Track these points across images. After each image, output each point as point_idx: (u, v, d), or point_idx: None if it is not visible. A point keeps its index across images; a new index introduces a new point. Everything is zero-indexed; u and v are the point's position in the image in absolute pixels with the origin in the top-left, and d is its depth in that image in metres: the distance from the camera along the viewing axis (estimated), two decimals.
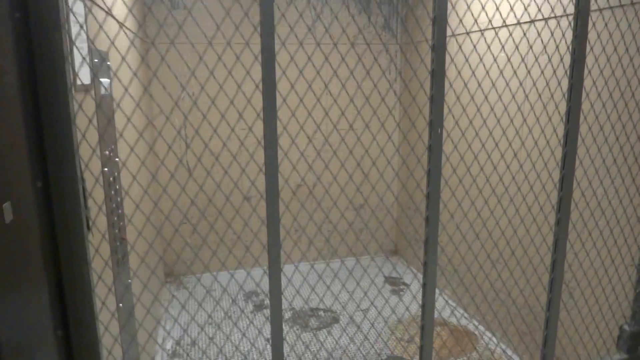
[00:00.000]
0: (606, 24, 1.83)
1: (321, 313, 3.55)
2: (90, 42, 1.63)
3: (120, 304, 1.98)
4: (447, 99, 1.50)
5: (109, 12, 2.10)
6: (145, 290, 2.83)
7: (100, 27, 1.50)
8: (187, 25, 3.70)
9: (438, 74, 1.47)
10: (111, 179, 1.96)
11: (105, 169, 1.86)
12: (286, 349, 3.30)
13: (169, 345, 3.17)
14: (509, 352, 3.11)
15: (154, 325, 2.88)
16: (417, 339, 3.13)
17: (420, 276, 4.32)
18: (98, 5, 1.89)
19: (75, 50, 1.46)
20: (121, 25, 2.38)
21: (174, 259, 4.16)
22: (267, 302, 3.68)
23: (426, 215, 1.53)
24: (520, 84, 1.70)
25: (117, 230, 2.00)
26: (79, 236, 1.20)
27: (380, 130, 4.34)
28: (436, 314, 3.44)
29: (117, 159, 2.10)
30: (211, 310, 3.61)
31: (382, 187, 4.46)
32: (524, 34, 2.37)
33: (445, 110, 1.48)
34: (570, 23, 1.65)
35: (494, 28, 2.74)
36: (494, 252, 3.06)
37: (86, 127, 1.27)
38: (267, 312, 3.52)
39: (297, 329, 3.34)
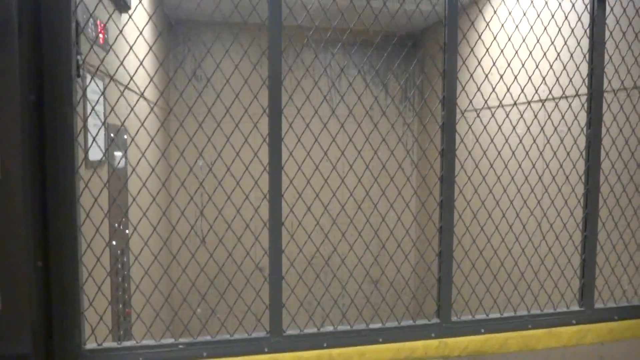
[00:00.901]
0: (622, 106, 1.80)
1: None
2: (96, 115, 1.66)
3: None
4: (457, 179, 1.48)
5: (127, 88, 2.17)
6: None
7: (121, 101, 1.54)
8: (205, 95, 3.85)
9: (448, 153, 1.46)
10: (119, 251, 1.94)
11: (113, 242, 1.84)
12: None
13: None
14: None
15: None
16: None
17: None
18: (116, 81, 1.96)
19: (90, 125, 1.48)
20: (141, 96, 2.46)
21: (181, 328, 4.02)
22: None
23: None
24: (533, 165, 1.66)
25: (121, 306, 1.95)
26: (75, 316, 1.17)
27: (396, 203, 4.32)
28: None
29: (126, 231, 2.09)
30: None
31: (399, 261, 4.35)
32: (535, 115, 2.35)
33: (457, 190, 1.45)
34: (583, 105, 1.63)
35: (502, 106, 2.75)
36: None
37: (91, 206, 1.27)
38: None
39: None
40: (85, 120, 1.36)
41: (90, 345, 1.21)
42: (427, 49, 4.18)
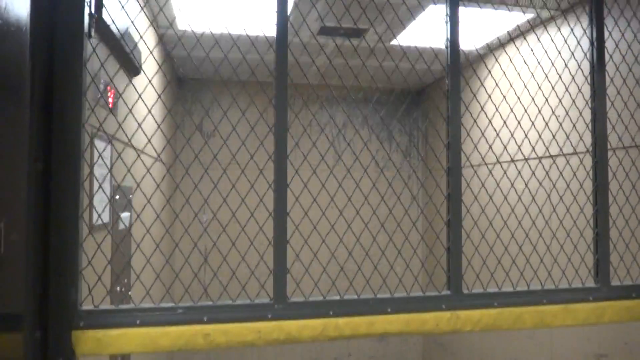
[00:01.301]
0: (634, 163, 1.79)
1: None
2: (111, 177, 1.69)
3: None
4: (464, 223, 1.48)
5: (138, 151, 2.22)
6: None
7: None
8: (213, 147, 3.93)
9: (454, 198, 1.48)
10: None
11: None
12: None
13: None
14: None
15: None
16: None
17: None
18: (124, 143, 2.00)
19: (95, 189, 1.50)
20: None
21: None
22: None
23: None
24: (540, 210, 1.65)
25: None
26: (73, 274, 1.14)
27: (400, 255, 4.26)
28: None
29: (129, 293, 2.06)
30: None
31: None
32: (546, 171, 2.37)
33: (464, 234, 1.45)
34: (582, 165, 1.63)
35: (513, 161, 2.79)
36: None
37: (94, 284, 1.23)
38: None
39: None
40: (91, 195, 1.37)
41: (87, 306, 1.16)
42: (432, 98, 4.31)
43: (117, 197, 1.84)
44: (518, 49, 1.74)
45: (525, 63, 1.67)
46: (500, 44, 3.06)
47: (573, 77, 1.56)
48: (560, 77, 1.57)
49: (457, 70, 1.46)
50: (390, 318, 1.33)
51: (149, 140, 1.45)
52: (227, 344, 1.20)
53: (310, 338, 1.27)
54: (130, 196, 2.09)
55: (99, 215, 1.53)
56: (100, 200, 1.62)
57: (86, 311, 1.14)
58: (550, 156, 2.01)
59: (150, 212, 1.62)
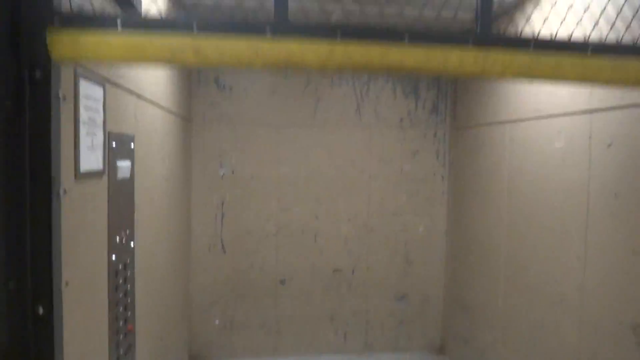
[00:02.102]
0: None
1: None
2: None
3: None
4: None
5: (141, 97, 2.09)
6: None
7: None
8: (228, 104, 3.78)
9: None
10: (121, 266, 1.82)
11: (113, 257, 1.73)
12: None
13: None
14: None
15: None
16: None
17: None
18: (126, 89, 1.87)
19: (84, 135, 1.39)
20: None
21: (200, 341, 3.91)
22: None
23: None
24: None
25: (121, 323, 1.82)
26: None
27: (427, 216, 4.12)
28: None
29: (132, 244, 1.98)
30: None
31: (428, 277, 4.14)
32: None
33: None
34: None
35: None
36: None
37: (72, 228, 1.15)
38: None
39: None
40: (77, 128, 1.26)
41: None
42: None
43: (114, 144, 1.73)
44: None
45: None
46: None
47: None
48: None
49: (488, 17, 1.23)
50: (408, 49, 1.15)
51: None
52: (219, 61, 1.08)
53: (314, 63, 1.12)
54: (132, 145, 1.98)
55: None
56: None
57: (64, 12, 1.05)
58: None
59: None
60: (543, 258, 2.77)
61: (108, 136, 1.66)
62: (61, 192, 1.22)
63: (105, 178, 1.64)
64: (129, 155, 1.93)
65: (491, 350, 3.32)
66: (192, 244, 3.84)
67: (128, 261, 1.91)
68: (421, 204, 4.10)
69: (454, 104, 4.06)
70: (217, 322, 3.92)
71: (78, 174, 1.37)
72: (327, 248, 3.99)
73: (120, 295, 1.81)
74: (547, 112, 2.78)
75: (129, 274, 1.92)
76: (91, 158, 1.49)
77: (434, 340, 4.17)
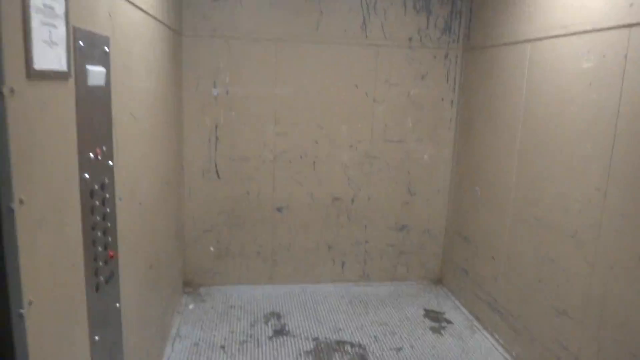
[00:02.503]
0: None
1: (348, 348, 3.08)
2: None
3: (97, 337, 1.63)
4: None
5: None
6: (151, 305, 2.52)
7: None
8: (222, 16, 3.44)
9: None
10: (97, 186, 1.62)
11: (86, 176, 1.52)
12: None
13: None
14: None
15: (158, 349, 2.52)
16: None
17: (466, 312, 3.84)
18: None
19: (38, 24, 1.13)
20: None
21: (195, 269, 3.83)
22: (289, 327, 3.27)
23: None
24: None
25: (100, 248, 1.65)
26: None
27: (433, 144, 3.90)
28: None
29: (110, 162, 1.77)
30: (225, 332, 3.19)
31: (430, 208, 4.00)
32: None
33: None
34: None
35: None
36: (553, 298, 2.53)
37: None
38: (288, 339, 3.10)
39: None
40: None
41: None
42: None
43: (82, 43, 1.47)
44: None
45: None
46: None
47: None
48: None
49: None
50: None
51: None
52: None
53: None
54: (106, 48, 1.71)
55: None
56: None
57: None
58: None
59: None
60: (557, 190, 2.58)
61: (73, 32, 1.40)
62: (5, 90, 0.99)
63: (71, 82, 1.40)
64: (103, 60, 1.67)
65: (492, 283, 3.23)
66: (185, 169, 3.64)
67: (106, 181, 1.70)
68: (427, 130, 3.86)
69: (468, 22, 3.72)
70: (212, 249, 3.82)
71: (31, 72, 1.13)
72: (326, 176, 3.80)
73: (98, 219, 1.62)
74: (575, 28, 2.48)
75: (107, 195, 1.72)
76: (50, 55, 1.24)
77: (433, 271, 4.11)
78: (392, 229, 3.98)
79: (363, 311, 3.52)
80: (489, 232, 3.30)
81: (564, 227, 2.52)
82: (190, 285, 3.84)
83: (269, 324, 3.31)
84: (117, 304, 1.89)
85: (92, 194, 1.57)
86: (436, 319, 3.44)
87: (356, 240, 3.95)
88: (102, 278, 1.68)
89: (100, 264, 1.67)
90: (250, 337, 3.14)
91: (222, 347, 3.01)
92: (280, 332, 3.21)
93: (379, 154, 3.83)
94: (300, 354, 2.93)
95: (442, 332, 3.27)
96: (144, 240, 2.34)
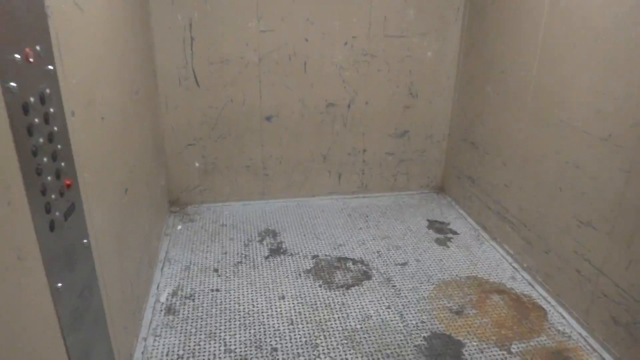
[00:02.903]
0: None
1: (350, 265, 2.91)
2: None
3: (60, 284, 1.35)
4: None
5: None
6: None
7: None
8: None
9: None
10: (32, 98, 1.24)
11: (12, 85, 1.14)
12: (306, 307, 2.67)
13: (163, 296, 2.61)
14: (591, 340, 2.23)
15: (146, 276, 2.29)
16: (468, 309, 2.47)
17: (472, 222, 3.70)
18: None
19: None
20: None
21: (180, 187, 3.55)
22: (285, 245, 3.08)
23: None
24: None
25: (50, 178, 1.31)
26: None
27: (437, 42, 3.45)
28: (495, 278, 2.77)
29: (49, 67, 1.37)
30: (217, 254, 2.99)
31: (434, 111, 3.65)
32: None
33: None
34: None
35: None
36: (576, 207, 2.29)
37: None
38: (286, 258, 2.92)
39: (320, 285, 2.72)
40: None
41: None
42: None
43: None
44: None
45: None
46: None
47: None
48: None
49: None
50: None
51: None
52: None
53: None
54: None
55: None
56: None
57: None
58: None
59: None
60: (589, 86, 2.24)
61: None
62: None
63: None
64: None
65: (502, 191, 2.99)
66: (158, 77, 3.19)
67: (47, 91, 1.32)
68: (432, 22, 3.40)
69: None
70: (197, 165, 3.49)
71: None
72: (319, 78, 3.39)
73: (40, 140, 1.26)
74: None
75: (52, 110, 1.34)
76: None
77: (435, 179, 3.87)
78: (391, 135, 3.66)
79: (363, 225, 3.31)
80: (501, 136, 2.99)
81: (595, 129, 2.21)
82: (176, 204, 3.57)
83: (264, 242, 3.10)
84: (85, 240, 1.59)
85: (26, 108, 1.19)
86: (441, 230, 3.25)
87: (353, 149, 3.64)
88: (57, 214, 1.37)
89: (53, 197, 1.34)
90: (245, 257, 2.92)
91: (216, 270, 2.80)
92: (276, 251, 3.00)
93: (378, 51, 3.40)
94: (299, 274, 2.74)
95: (448, 243, 3.09)
96: (113, 162, 2.00)
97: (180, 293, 2.59)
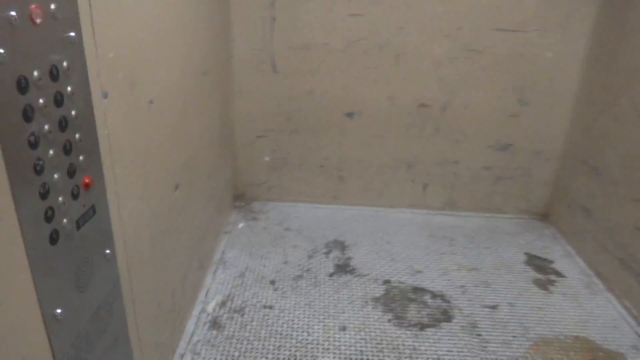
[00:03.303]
0: None
1: (427, 298, 2.45)
2: None
3: (58, 310, 1.07)
4: None
5: None
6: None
7: None
8: None
9: None
10: (35, 72, 0.95)
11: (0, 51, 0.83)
12: (369, 348, 2.25)
13: (211, 305, 2.33)
14: None
15: (194, 280, 1.99)
16: None
17: (582, 264, 2.63)
18: None
19: None
20: None
21: (246, 181, 3.27)
22: (354, 263, 2.67)
23: None
24: None
25: (59, 175, 1.02)
26: None
27: (557, 36, 2.87)
28: (611, 343, 2.15)
29: (71, 33, 1.09)
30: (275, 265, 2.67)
31: (546, 123, 3.07)
32: None
33: None
34: None
35: None
36: None
37: None
38: (352, 279, 2.53)
39: (390, 320, 2.29)
40: None
41: None
42: None
43: None
44: None
45: None
46: None
47: None
48: None
49: None
50: None
51: None
52: None
53: None
54: None
55: None
56: None
57: None
58: None
59: None
60: None
61: None
62: None
63: None
64: None
65: (632, 234, 2.38)
66: (234, 59, 2.91)
67: (64, 65, 1.02)
68: (556, 16, 2.81)
69: None
70: (266, 159, 3.19)
71: None
72: (412, 74, 2.94)
73: (46, 128, 0.97)
74: None
75: (69, 89, 1.05)
76: None
77: (538, 204, 3.27)
78: (491, 147, 3.12)
79: (447, 249, 2.83)
80: (638, 165, 2.38)
81: None
82: (242, 199, 3.30)
83: (331, 256, 2.72)
84: (108, 250, 1.30)
85: (22, 85, 0.89)
86: (542, 269, 2.69)
87: (444, 159, 3.16)
88: (65, 221, 1.07)
89: (60, 199, 1.05)
90: (307, 271, 2.57)
91: (272, 282, 2.47)
92: (343, 268, 2.61)
93: (485, 47, 2.87)
94: (366, 301, 2.34)
95: (551, 288, 2.53)
96: (162, 153, 1.71)
97: (229, 304, 2.30)
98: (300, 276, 2.52)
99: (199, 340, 2.07)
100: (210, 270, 2.54)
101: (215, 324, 2.17)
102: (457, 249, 2.84)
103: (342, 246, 2.82)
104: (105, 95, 1.23)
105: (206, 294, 2.36)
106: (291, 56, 2.90)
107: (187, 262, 2.12)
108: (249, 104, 3.03)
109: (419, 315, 2.25)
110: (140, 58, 1.45)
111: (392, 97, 3.00)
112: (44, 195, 0.98)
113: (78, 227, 1.13)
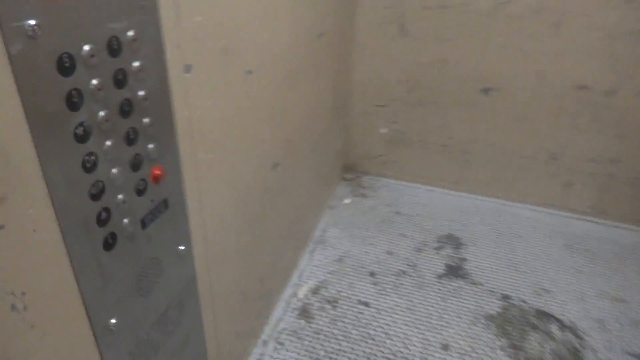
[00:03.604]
0: None
1: (553, 328, 2.01)
2: None
3: (113, 320, 0.92)
4: None
5: None
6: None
7: None
8: None
9: None
10: (86, 48, 0.74)
11: (29, 24, 0.62)
12: None
13: (302, 291, 2.16)
14: None
15: (288, 261, 1.80)
16: None
17: None
18: None
19: None
20: None
21: (358, 153, 3.01)
22: (468, 266, 2.30)
23: None
24: None
25: (118, 170, 0.86)
26: None
27: None
28: None
29: None
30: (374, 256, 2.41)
31: None
32: None
33: None
34: None
35: None
36: None
37: None
38: (464, 287, 2.18)
39: (502, 347, 1.92)
40: None
41: None
42: None
43: None
44: None
45: None
46: None
47: None
48: None
49: None
50: None
51: None
52: None
53: None
54: None
55: None
56: None
57: None
58: None
59: None
60: None
61: None
62: None
63: None
64: None
65: None
66: (356, 18, 2.59)
67: (130, 35, 0.82)
68: None
69: None
70: (383, 130, 2.89)
71: None
72: (573, 47, 2.38)
73: (101, 115, 0.79)
74: None
75: (135, 64, 0.85)
76: None
77: None
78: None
79: (587, 267, 2.34)
80: None
81: None
82: (352, 171, 3.06)
83: (442, 252, 2.40)
84: (182, 247, 1.14)
85: (65, 65, 0.70)
86: None
87: (599, 155, 2.58)
88: (125, 221, 0.91)
89: (120, 198, 0.88)
90: (413, 268, 2.29)
91: (372, 274, 2.24)
92: (455, 270, 2.28)
93: None
94: (477, 317, 2.01)
95: None
96: (259, 131, 1.50)
97: (322, 292, 2.12)
98: (404, 272, 2.25)
99: (285, 328, 1.92)
100: (307, 249, 2.37)
101: (304, 312, 2.01)
102: (600, 268, 2.33)
103: (457, 243, 2.47)
104: (187, 69, 1.02)
105: (300, 277, 2.20)
106: (425, 17, 2.49)
107: (282, 245, 1.96)
108: (370, 70, 2.71)
109: (540, 349, 1.87)
110: (236, 20, 1.22)
111: (542, 73, 2.47)
112: (96, 196, 0.81)
113: (144, 226, 0.97)
